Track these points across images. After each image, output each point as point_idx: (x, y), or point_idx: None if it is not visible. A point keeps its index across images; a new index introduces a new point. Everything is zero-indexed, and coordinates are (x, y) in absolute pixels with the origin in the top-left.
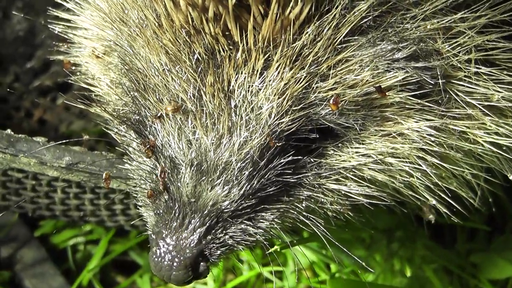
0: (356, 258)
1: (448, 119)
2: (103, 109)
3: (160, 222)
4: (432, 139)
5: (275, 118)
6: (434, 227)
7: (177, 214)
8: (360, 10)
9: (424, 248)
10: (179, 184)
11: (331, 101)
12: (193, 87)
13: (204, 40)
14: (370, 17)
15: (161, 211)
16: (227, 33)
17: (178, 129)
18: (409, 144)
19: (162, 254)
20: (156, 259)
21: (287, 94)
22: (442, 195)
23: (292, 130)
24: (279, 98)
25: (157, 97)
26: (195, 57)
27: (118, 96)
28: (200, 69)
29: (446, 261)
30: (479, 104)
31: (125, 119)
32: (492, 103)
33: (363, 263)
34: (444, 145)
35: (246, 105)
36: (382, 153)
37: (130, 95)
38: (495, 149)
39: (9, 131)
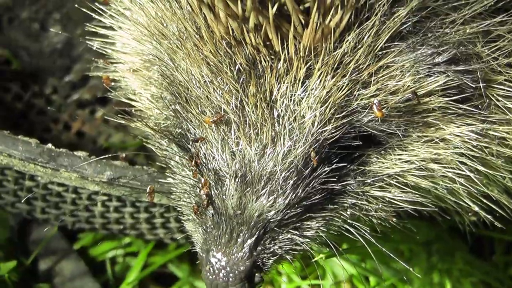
0: (395, 271)
1: (488, 124)
2: (145, 123)
3: (209, 239)
4: (474, 143)
5: (318, 127)
6: (472, 240)
7: (224, 229)
8: (400, 16)
9: (463, 261)
10: (223, 196)
11: (374, 108)
12: (235, 98)
13: (245, 51)
14: (409, 23)
15: (208, 227)
16: (268, 43)
17: (222, 141)
18: (451, 149)
19: (216, 271)
20: (210, 277)
21: (329, 102)
22: (485, 201)
23: (335, 138)
24: (321, 106)
25: (200, 109)
26: (237, 67)
27: (159, 110)
28: (241, 79)
29: (484, 274)
30: None
31: (167, 133)
32: None
33: (403, 276)
34: (485, 151)
35: (289, 114)
36: (425, 159)
37: (171, 109)
38: None
39: (50, 145)
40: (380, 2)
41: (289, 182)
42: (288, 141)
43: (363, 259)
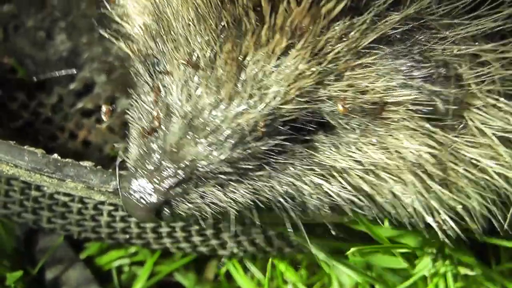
0: (401, 277)
1: (460, 145)
2: (128, 45)
3: (139, 160)
4: (431, 162)
5: (278, 103)
6: (478, 247)
7: (156, 160)
8: (392, 20)
9: (469, 268)
10: (167, 131)
11: (339, 105)
12: (211, 49)
13: (234, 10)
14: (400, 30)
15: (143, 150)
16: (258, 8)
17: (184, 81)
18: (406, 164)
19: (131, 192)
20: (125, 194)
21: (297, 85)
22: (449, 215)
23: (292, 118)
24: (288, 85)
25: (175, 46)
26: (222, 23)
27: (145, 38)
28: (223, 35)
29: (490, 281)
30: (495, 134)
31: (144, 60)
32: (507, 135)
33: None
34: (449, 171)
35: (254, 82)
36: (375, 165)
37: (154, 39)
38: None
39: (56, 155)
40: (376, 2)
41: (229, 141)
42: (244, 105)
43: (369, 267)
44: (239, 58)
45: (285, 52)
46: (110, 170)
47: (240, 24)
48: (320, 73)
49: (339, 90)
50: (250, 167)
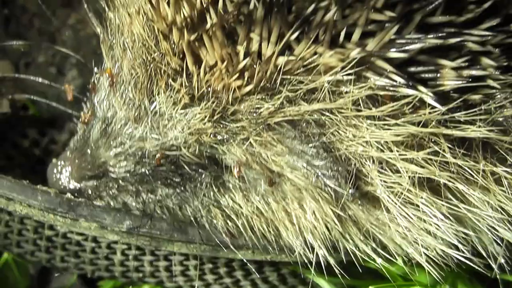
0: None
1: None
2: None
3: (72, 143)
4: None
5: (176, 143)
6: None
7: (80, 151)
8: (306, 110)
9: None
10: (91, 129)
11: (235, 168)
12: (136, 73)
13: (163, 50)
14: (310, 118)
15: (76, 136)
16: (179, 64)
17: (110, 89)
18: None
19: (55, 171)
20: (50, 170)
21: (197, 137)
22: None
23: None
24: (189, 135)
25: (110, 55)
26: (152, 56)
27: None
28: (150, 67)
29: None
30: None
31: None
32: None
33: None
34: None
35: (159, 118)
36: (257, 214)
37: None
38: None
39: (69, 195)
40: (288, 87)
41: (132, 158)
42: (146, 132)
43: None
44: (152, 91)
45: (193, 105)
46: (123, 209)
47: (166, 63)
48: (223, 135)
49: (237, 153)
50: (151, 180)
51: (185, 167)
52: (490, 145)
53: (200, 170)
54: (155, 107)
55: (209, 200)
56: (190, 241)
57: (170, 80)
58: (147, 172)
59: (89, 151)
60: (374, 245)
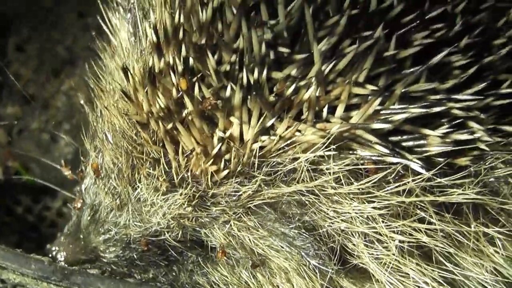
0: None
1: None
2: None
3: (68, 227)
4: None
5: (159, 228)
6: None
7: (72, 234)
8: (283, 192)
9: None
10: (81, 216)
11: (219, 251)
12: (118, 162)
13: (142, 140)
14: (290, 199)
15: (71, 220)
16: (160, 144)
17: (96, 179)
18: None
19: (53, 249)
20: (52, 246)
21: (179, 222)
22: None
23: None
24: (171, 220)
25: (93, 144)
26: (133, 145)
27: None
28: (131, 156)
29: None
30: None
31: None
32: None
33: None
34: None
35: (142, 205)
36: (245, 286)
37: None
38: None
39: (62, 263)
40: (266, 169)
41: (120, 244)
42: (129, 219)
43: None
44: (134, 178)
45: (173, 190)
46: (118, 277)
47: (143, 152)
48: (204, 219)
49: (221, 237)
50: (147, 263)
51: (171, 250)
52: (482, 206)
53: (185, 252)
54: (137, 194)
55: (198, 277)
56: None
57: (150, 168)
58: (135, 256)
59: (81, 236)
60: None
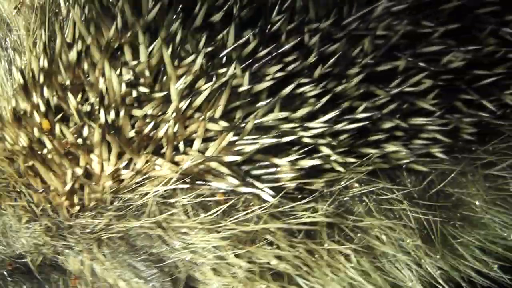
0: None
1: None
2: None
3: None
4: None
5: (22, 253)
6: None
7: None
8: (131, 226)
9: None
10: None
11: (72, 281)
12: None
13: (8, 174)
14: (140, 232)
15: None
16: (24, 178)
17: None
18: None
19: None
20: None
21: (39, 249)
22: None
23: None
24: (32, 246)
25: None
26: (2, 177)
27: None
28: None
29: None
30: None
31: None
32: None
33: None
34: None
35: (10, 231)
36: None
37: None
38: None
39: None
40: (118, 204)
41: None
42: (2, 241)
43: None
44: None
45: (33, 221)
46: None
47: (8, 185)
48: (60, 248)
49: (75, 266)
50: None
51: (35, 273)
52: (336, 225)
53: (48, 276)
54: (4, 220)
55: None
56: None
57: (15, 198)
58: (6, 274)
59: None
60: None
